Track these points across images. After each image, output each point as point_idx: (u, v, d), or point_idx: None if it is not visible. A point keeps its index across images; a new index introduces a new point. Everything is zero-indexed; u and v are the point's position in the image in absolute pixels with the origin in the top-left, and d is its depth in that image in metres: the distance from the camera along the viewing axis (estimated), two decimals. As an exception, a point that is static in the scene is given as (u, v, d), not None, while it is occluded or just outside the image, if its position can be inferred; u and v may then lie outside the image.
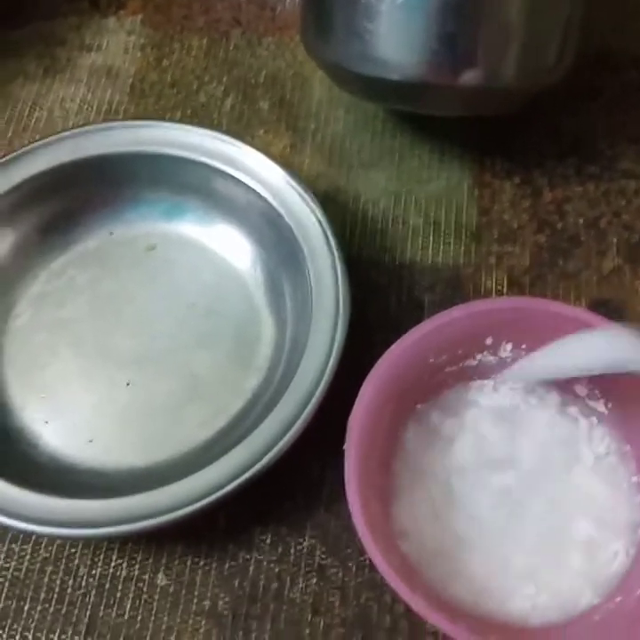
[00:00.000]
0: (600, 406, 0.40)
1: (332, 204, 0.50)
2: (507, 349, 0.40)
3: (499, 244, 0.49)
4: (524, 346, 0.40)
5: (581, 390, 0.40)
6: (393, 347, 0.38)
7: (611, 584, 0.36)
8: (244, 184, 0.46)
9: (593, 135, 0.52)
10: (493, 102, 0.46)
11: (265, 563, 0.41)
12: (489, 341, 0.40)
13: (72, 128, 0.48)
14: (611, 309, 0.46)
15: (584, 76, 0.54)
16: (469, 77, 0.43)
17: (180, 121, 0.53)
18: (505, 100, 0.46)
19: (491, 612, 0.37)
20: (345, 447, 0.36)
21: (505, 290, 0.47)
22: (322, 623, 0.39)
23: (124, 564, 0.41)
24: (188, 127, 0.48)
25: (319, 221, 0.44)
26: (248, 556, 0.41)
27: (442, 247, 0.49)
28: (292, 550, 0.41)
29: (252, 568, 0.41)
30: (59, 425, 0.44)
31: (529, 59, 0.43)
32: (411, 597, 0.33)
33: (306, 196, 0.45)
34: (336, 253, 0.43)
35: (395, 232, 0.49)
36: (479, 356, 0.40)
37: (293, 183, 0.45)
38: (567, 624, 0.36)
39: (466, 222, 0.49)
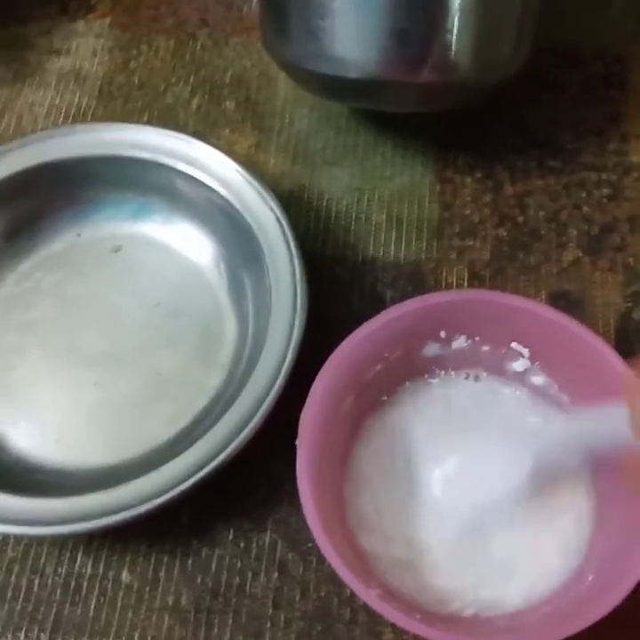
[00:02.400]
0: (552, 391, 0.40)
1: (296, 201, 0.51)
2: (460, 341, 0.41)
3: (460, 238, 0.49)
4: (477, 338, 0.40)
5: (538, 380, 0.41)
6: (344, 342, 0.38)
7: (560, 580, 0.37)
8: (206, 184, 0.46)
9: (556, 129, 0.53)
10: (452, 97, 0.47)
11: (227, 558, 0.41)
12: (443, 334, 0.40)
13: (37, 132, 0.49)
14: (570, 301, 0.46)
15: (548, 69, 0.55)
16: (424, 73, 0.43)
17: (144, 123, 0.53)
18: (463, 94, 0.46)
19: (446, 607, 0.37)
20: (297, 442, 0.36)
21: (466, 284, 0.47)
22: (282, 617, 0.40)
23: (90, 562, 0.41)
24: (151, 129, 0.48)
25: (278, 219, 0.44)
26: (211, 552, 0.41)
27: (404, 243, 0.49)
28: (254, 545, 0.41)
29: (214, 563, 0.41)
30: (26, 426, 0.45)
31: (484, 52, 0.43)
32: (363, 591, 0.33)
33: (265, 194, 0.45)
34: (294, 251, 0.43)
35: (358, 229, 0.50)
36: (434, 349, 0.41)
37: (253, 182, 0.45)
38: (516, 616, 0.36)
39: (428, 218, 0.50)
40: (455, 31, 0.41)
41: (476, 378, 0.41)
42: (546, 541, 0.38)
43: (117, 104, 0.56)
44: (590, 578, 0.35)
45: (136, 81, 0.57)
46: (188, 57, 0.58)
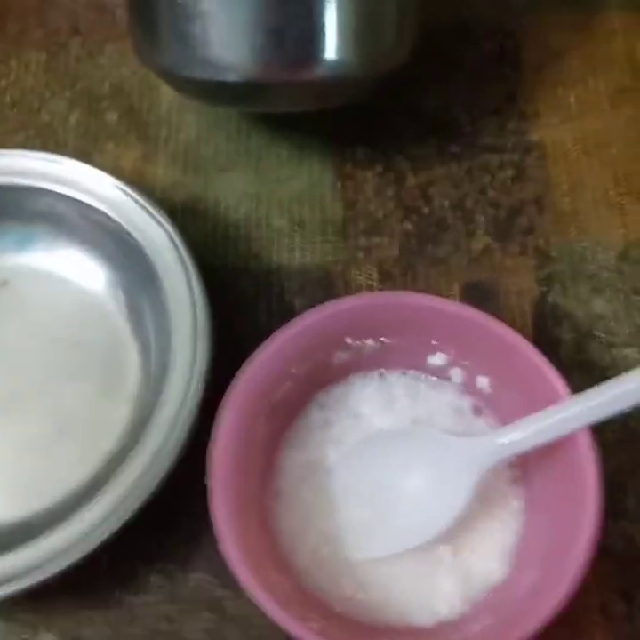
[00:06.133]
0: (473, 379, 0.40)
1: (191, 213, 0.48)
2: (367, 345, 0.39)
3: (366, 236, 0.47)
4: (382, 339, 0.39)
5: (456, 371, 0.40)
6: (246, 365, 0.37)
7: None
8: (89, 206, 0.44)
9: (452, 111, 0.51)
10: (340, 92, 0.44)
11: (155, 604, 0.39)
12: (349, 340, 0.39)
13: None
14: (483, 291, 0.45)
15: (441, 47, 0.53)
16: (304, 71, 0.41)
17: (20, 145, 0.50)
18: (352, 88, 0.44)
19: (385, 621, 0.36)
20: (206, 481, 0.34)
21: (376, 283, 0.46)
22: (223, 659, 0.38)
23: (3, 626, 0.39)
24: (28, 153, 0.45)
25: (170, 237, 0.42)
26: (137, 600, 0.39)
27: (309, 247, 0.47)
28: (183, 587, 0.39)
29: (142, 612, 0.39)
30: None
31: (365, 44, 0.41)
32: (298, 628, 0.32)
33: (154, 211, 0.43)
34: (191, 269, 0.41)
35: (259, 236, 0.48)
36: (342, 356, 0.39)
37: (139, 199, 0.43)
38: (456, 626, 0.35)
39: (331, 218, 0.48)
40: (333, 25, 0.39)
41: (385, 377, 0.40)
42: (482, 544, 0.37)
43: (-10, 126, 0.52)
44: (526, 583, 0.35)
45: (8, 100, 0.53)
46: (62, 69, 0.54)
